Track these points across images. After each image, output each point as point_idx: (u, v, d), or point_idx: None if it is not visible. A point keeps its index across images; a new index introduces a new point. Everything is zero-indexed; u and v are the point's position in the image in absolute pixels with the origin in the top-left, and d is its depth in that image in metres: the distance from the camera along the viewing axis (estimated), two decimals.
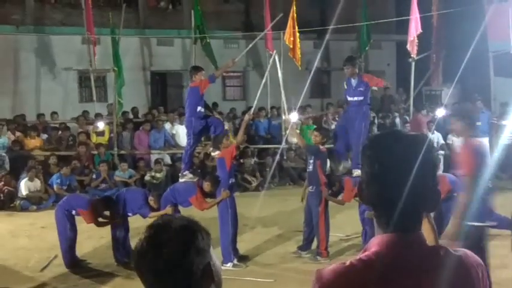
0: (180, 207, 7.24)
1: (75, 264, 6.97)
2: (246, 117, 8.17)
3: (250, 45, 9.55)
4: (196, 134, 8.22)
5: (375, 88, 13.51)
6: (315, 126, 10.82)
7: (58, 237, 7.02)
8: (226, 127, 9.26)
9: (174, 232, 1.40)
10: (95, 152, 12.36)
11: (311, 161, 7.26)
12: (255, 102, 10.24)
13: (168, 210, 6.83)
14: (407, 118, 13.26)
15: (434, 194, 1.43)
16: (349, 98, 7.68)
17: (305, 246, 7.25)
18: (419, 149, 1.38)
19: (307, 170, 7.50)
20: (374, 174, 1.39)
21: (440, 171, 11.27)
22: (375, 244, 1.40)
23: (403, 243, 1.38)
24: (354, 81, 7.60)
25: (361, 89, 7.57)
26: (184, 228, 1.42)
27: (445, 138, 12.74)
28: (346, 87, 7.76)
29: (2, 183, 10.84)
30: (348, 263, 1.37)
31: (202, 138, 9.71)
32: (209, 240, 1.45)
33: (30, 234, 8.80)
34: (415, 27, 11.85)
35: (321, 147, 7.19)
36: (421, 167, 1.36)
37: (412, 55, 12.11)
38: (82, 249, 7.39)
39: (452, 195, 7.19)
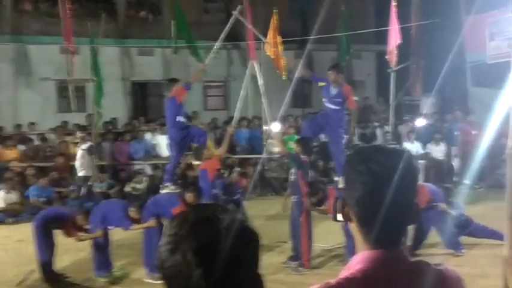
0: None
1: (52, 278, 6.80)
2: (229, 130, 8.16)
3: (218, 44, 9.48)
4: (178, 144, 8.15)
5: (355, 98, 13.50)
6: (296, 137, 10.83)
7: (35, 251, 6.86)
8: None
9: (227, 236, 1.08)
10: (74, 163, 12.19)
11: (293, 171, 7.26)
12: (236, 113, 10.22)
13: (152, 222, 6.75)
14: (387, 128, 13.35)
15: (415, 207, 1.44)
16: (326, 104, 7.69)
17: (294, 256, 7.21)
18: (404, 162, 1.38)
19: (290, 180, 7.50)
20: (366, 191, 1.36)
21: (420, 181, 11.38)
22: (359, 261, 1.38)
23: (388, 260, 1.37)
24: (333, 90, 7.57)
25: (339, 99, 7.57)
26: (242, 231, 1.11)
27: (424, 147, 12.89)
28: (322, 90, 7.68)
29: None
30: (333, 282, 1.34)
31: None
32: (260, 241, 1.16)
33: (6, 247, 8.60)
34: (394, 38, 11.97)
35: (303, 156, 7.18)
36: (407, 180, 1.37)
37: (391, 65, 12.23)
38: (60, 263, 7.22)
39: (432, 205, 7.27)
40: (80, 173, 11.63)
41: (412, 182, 1.40)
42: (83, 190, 11.42)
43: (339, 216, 1.46)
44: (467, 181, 12.19)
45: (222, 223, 1.10)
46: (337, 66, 7.91)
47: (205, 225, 1.10)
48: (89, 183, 11.61)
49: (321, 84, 7.71)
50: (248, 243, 1.13)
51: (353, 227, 1.43)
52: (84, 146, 11.77)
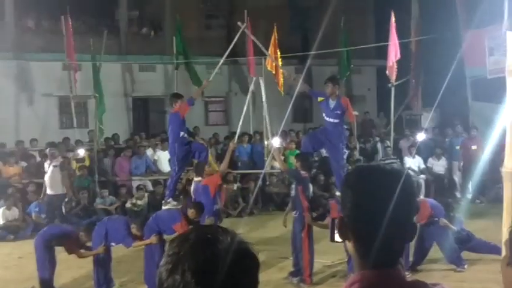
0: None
1: None
2: (231, 145, 8.18)
3: (221, 62, 9.57)
4: (180, 160, 8.16)
5: (355, 113, 13.33)
6: (297, 152, 10.84)
7: (36, 268, 6.84)
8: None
9: (226, 257, 1.08)
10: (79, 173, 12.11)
11: (293, 186, 7.27)
12: (238, 129, 10.23)
13: (153, 239, 6.73)
14: (388, 142, 13.36)
15: (413, 226, 1.45)
16: (326, 118, 7.72)
17: (296, 272, 7.19)
18: (402, 183, 1.39)
19: (291, 195, 7.50)
20: (363, 211, 1.38)
21: (421, 196, 11.34)
22: (356, 281, 1.39)
23: (385, 280, 1.37)
24: (331, 102, 7.60)
25: (338, 112, 7.59)
26: (242, 252, 1.11)
27: (425, 162, 12.87)
28: (321, 105, 7.73)
29: None
30: None
31: None
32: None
33: (7, 264, 8.57)
34: (394, 53, 12.05)
35: (302, 172, 7.18)
36: (404, 201, 1.37)
37: (391, 80, 12.29)
38: (60, 280, 7.21)
39: (433, 220, 7.24)
40: (49, 191, 10.85)
41: (409, 203, 1.40)
42: (64, 209, 10.93)
43: (337, 237, 1.47)
44: (468, 196, 12.17)
45: (222, 244, 1.10)
46: (333, 78, 7.96)
47: (205, 245, 1.10)
48: (66, 201, 11.05)
49: (320, 99, 7.76)
50: (247, 265, 1.12)
51: (350, 246, 1.43)
52: (55, 162, 11.02)
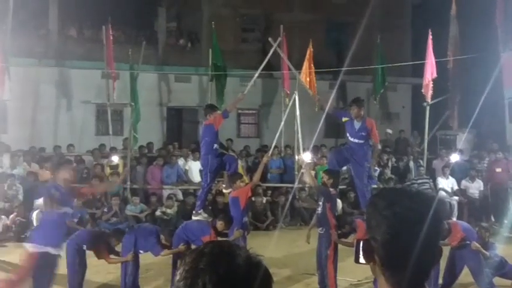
0: None
1: None
2: (264, 158, 8.21)
3: (255, 76, 9.64)
4: (212, 171, 8.21)
5: (389, 131, 13.27)
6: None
7: (66, 271, 6.99)
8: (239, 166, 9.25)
9: (245, 270, 1.11)
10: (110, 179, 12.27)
11: (321, 203, 7.21)
12: (274, 142, 10.26)
13: (181, 248, 6.80)
14: (421, 162, 13.15)
15: (438, 250, 1.46)
16: (350, 139, 7.69)
17: None
18: (429, 206, 1.39)
19: (317, 212, 7.45)
20: (393, 234, 1.37)
21: (454, 218, 11.11)
22: None
23: None
24: (357, 124, 7.59)
25: (363, 133, 7.57)
26: (258, 266, 1.15)
27: (459, 184, 12.59)
28: (346, 125, 7.72)
29: (15, 214, 10.89)
30: None
31: None
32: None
33: None
34: (430, 72, 11.92)
35: (331, 189, 7.13)
36: (431, 225, 1.37)
37: (426, 99, 12.13)
38: (89, 284, 7.33)
39: (465, 244, 7.06)
40: None
41: (437, 227, 1.40)
42: None
43: (361, 259, 1.47)
44: (505, 220, 11.82)
45: (239, 258, 1.13)
46: (357, 100, 7.93)
47: (223, 259, 1.13)
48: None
49: (344, 119, 7.74)
50: (264, 279, 1.15)
51: (375, 268, 1.44)
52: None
